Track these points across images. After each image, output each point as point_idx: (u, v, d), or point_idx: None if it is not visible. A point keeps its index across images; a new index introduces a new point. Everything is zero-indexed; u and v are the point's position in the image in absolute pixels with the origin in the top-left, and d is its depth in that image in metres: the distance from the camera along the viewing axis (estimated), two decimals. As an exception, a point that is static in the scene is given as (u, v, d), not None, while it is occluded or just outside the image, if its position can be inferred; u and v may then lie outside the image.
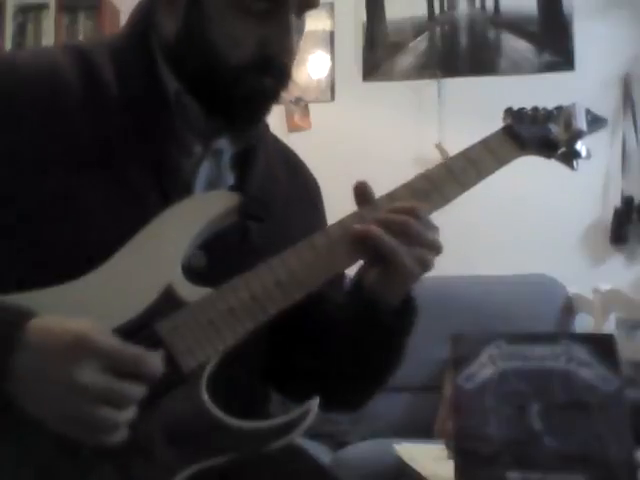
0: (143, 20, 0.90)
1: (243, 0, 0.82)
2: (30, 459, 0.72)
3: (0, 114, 0.82)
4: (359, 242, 0.82)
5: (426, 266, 0.83)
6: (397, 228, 0.81)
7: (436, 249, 0.83)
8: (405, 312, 0.89)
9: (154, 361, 0.72)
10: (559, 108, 0.97)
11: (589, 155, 0.96)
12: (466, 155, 0.90)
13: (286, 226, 0.94)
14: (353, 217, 0.85)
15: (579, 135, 0.95)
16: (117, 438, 0.70)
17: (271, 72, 0.85)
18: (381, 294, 0.86)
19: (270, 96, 0.88)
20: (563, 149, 0.97)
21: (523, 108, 0.96)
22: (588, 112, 0.96)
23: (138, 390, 0.71)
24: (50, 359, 0.69)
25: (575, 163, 0.97)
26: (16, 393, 0.70)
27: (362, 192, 0.86)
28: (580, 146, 0.96)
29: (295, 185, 1.02)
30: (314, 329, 0.94)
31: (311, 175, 1.08)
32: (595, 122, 0.97)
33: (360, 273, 0.88)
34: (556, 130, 0.95)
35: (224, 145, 0.92)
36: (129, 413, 0.71)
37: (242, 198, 0.85)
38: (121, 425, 0.70)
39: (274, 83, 0.87)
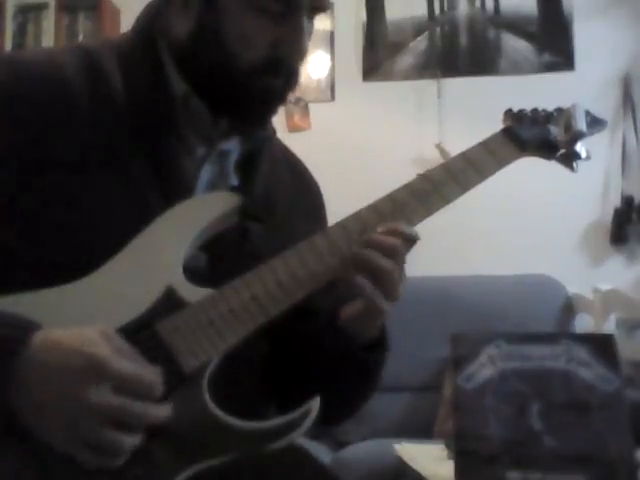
0: (150, 22, 0.90)
1: (258, 0, 0.83)
2: (29, 464, 0.72)
3: (1, 114, 0.82)
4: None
5: (395, 296, 0.83)
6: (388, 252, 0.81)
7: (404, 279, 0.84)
8: (377, 347, 0.89)
9: (159, 385, 0.73)
10: (559, 110, 0.98)
11: (589, 156, 0.97)
12: (466, 156, 0.90)
13: (287, 228, 0.94)
14: (353, 219, 0.85)
15: (579, 136, 0.96)
16: (118, 462, 0.71)
17: (281, 73, 0.86)
18: (354, 327, 0.86)
19: (278, 97, 0.88)
20: (563, 150, 0.97)
21: (523, 110, 0.97)
22: (588, 113, 0.96)
23: (154, 411, 0.72)
24: (58, 380, 0.69)
25: (575, 164, 0.98)
26: (20, 410, 0.70)
27: None
28: (580, 147, 0.97)
29: (298, 189, 1.03)
30: (299, 344, 0.93)
31: (314, 181, 1.08)
32: (595, 123, 0.97)
33: (336, 307, 0.87)
34: (556, 131, 0.96)
35: (232, 146, 0.92)
36: (136, 438, 0.71)
37: (242, 199, 0.85)
38: (125, 450, 0.71)
39: (283, 84, 0.87)
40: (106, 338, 0.71)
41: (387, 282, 0.81)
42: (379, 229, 0.83)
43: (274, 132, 0.99)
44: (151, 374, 0.72)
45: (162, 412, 0.73)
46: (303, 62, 0.88)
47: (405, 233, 0.83)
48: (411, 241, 0.83)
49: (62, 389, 0.69)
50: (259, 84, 0.85)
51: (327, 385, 0.86)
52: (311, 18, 0.88)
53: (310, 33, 0.89)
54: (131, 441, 0.71)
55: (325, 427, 0.95)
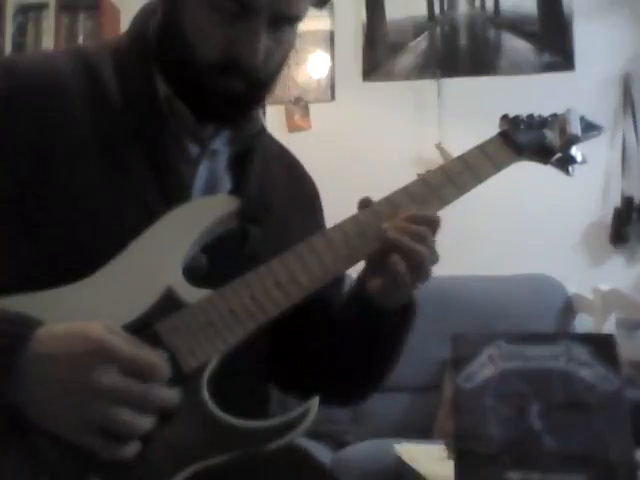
0: (144, 24, 0.91)
1: None
2: (30, 463, 0.72)
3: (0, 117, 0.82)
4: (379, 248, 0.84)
5: (427, 277, 0.86)
6: (418, 239, 0.83)
7: (436, 259, 0.86)
8: (405, 314, 0.91)
9: (166, 367, 0.73)
10: (554, 115, 0.99)
11: (584, 160, 0.98)
12: (463, 160, 0.91)
13: (285, 228, 0.94)
14: (352, 221, 0.86)
15: (574, 140, 0.97)
16: (130, 451, 0.71)
17: (238, 75, 0.84)
18: (382, 300, 0.88)
19: (238, 99, 0.87)
20: (558, 155, 0.98)
21: (518, 115, 0.98)
22: (582, 119, 0.98)
23: (163, 393, 0.72)
24: (66, 367, 0.69)
25: (571, 169, 0.99)
26: (25, 406, 0.70)
27: (365, 207, 0.87)
28: (575, 151, 0.98)
29: (294, 188, 1.03)
30: (315, 328, 0.96)
31: (309, 178, 1.09)
32: (590, 128, 0.98)
33: (362, 278, 0.90)
34: (551, 136, 0.97)
35: (219, 146, 0.92)
36: (148, 420, 0.71)
37: (241, 202, 0.86)
38: (139, 431, 0.70)
39: (244, 87, 0.85)
40: (106, 327, 0.72)
41: (418, 264, 0.83)
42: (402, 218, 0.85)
43: (263, 129, 0.99)
44: (155, 357, 0.73)
45: (171, 395, 0.73)
46: (265, 67, 0.85)
47: (428, 219, 0.85)
48: (435, 224, 0.85)
49: (69, 377, 0.69)
50: (215, 83, 0.84)
51: (353, 359, 0.90)
52: (278, 26, 0.85)
53: (283, 41, 0.87)
54: (143, 422, 0.71)
55: (354, 404, 0.99)
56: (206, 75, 0.84)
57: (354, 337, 0.92)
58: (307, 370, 0.97)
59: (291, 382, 1.01)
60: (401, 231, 0.83)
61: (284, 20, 0.85)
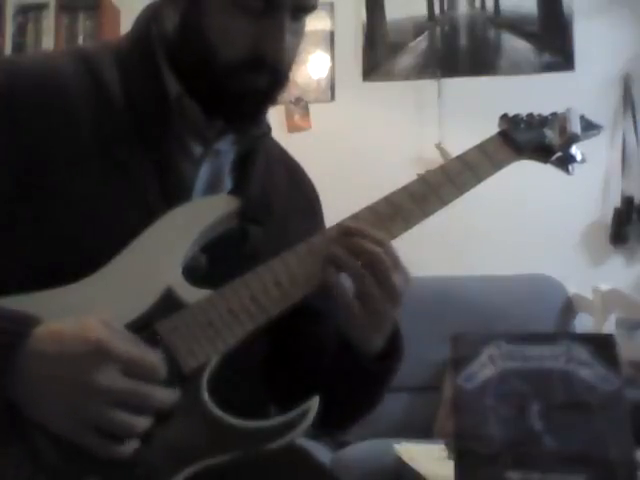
0: (148, 24, 0.91)
1: None
2: (29, 463, 0.72)
3: (0, 119, 0.82)
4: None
5: (378, 313, 0.81)
6: (366, 258, 0.80)
7: (394, 299, 0.81)
8: (387, 355, 0.88)
9: (162, 368, 0.73)
10: (554, 114, 0.99)
11: (584, 159, 0.97)
12: (463, 159, 0.91)
13: (285, 229, 0.94)
14: (351, 221, 0.85)
15: (574, 139, 0.96)
16: (128, 449, 0.71)
17: (264, 72, 0.85)
18: (355, 338, 0.85)
19: (264, 96, 0.88)
20: (558, 154, 0.98)
21: (518, 114, 0.97)
22: (582, 118, 0.98)
23: (161, 394, 0.72)
24: (66, 365, 0.70)
25: (571, 167, 0.98)
26: (23, 404, 0.70)
27: None
28: (575, 150, 0.98)
29: (294, 191, 1.03)
30: (304, 344, 0.95)
31: (310, 181, 1.09)
32: (589, 128, 0.98)
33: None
34: (551, 135, 0.97)
35: (224, 147, 0.92)
36: (144, 420, 0.72)
37: (242, 202, 0.86)
38: (136, 432, 0.71)
39: (268, 83, 0.86)
40: (105, 324, 0.72)
41: (361, 287, 0.80)
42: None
43: (269, 130, 0.99)
44: (153, 356, 0.73)
45: (167, 395, 0.74)
46: (290, 61, 0.87)
47: (371, 236, 0.82)
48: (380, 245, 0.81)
49: (67, 376, 0.69)
50: (241, 81, 0.85)
51: (331, 388, 0.85)
52: (297, 18, 0.86)
53: (298, 33, 0.88)
54: (139, 423, 0.71)
55: (329, 432, 0.95)
56: (230, 75, 0.84)
57: (334, 374, 0.89)
58: (305, 375, 0.96)
59: (288, 391, 0.98)
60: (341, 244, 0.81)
61: (304, 11, 0.86)
